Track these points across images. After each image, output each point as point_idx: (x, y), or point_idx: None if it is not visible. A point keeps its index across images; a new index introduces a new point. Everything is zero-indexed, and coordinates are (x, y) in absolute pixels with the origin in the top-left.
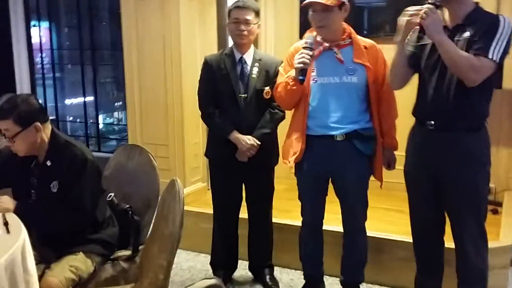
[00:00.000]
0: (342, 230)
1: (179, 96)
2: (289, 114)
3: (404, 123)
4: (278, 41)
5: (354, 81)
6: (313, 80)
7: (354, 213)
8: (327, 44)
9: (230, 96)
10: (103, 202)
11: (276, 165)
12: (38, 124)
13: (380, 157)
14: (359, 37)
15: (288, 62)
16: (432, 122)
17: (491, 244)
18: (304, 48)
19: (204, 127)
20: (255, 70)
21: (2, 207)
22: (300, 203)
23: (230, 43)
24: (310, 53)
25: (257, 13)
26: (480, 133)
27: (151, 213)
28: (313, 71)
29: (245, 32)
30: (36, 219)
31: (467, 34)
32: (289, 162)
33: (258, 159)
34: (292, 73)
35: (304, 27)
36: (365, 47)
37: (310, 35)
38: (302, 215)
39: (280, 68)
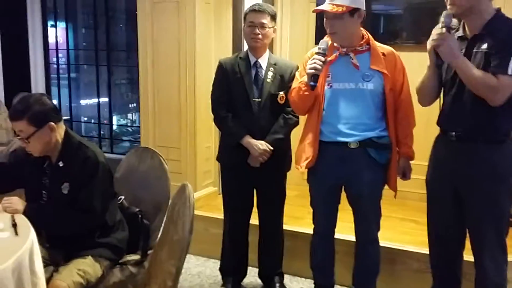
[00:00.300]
0: (354, 239)
1: (192, 99)
2: (302, 119)
3: (420, 133)
4: (293, 45)
5: (370, 88)
6: (328, 85)
7: (367, 223)
8: (343, 49)
9: (244, 100)
10: (114, 205)
11: (289, 171)
12: (53, 124)
13: (394, 167)
14: (378, 44)
15: (304, 67)
16: (454, 133)
17: (509, 257)
18: (317, 53)
19: (216, 131)
20: (270, 74)
21: (11, 208)
22: (312, 210)
23: (246, 46)
24: (323, 59)
25: (273, 17)
26: (503, 146)
27: (161, 217)
28: (328, 76)
29: (260, 36)
30: (45, 221)
31: (485, 45)
32: (301, 168)
33: (270, 165)
34: (305, 78)
35: (320, 31)
36: (384, 54)
37: (323, 41)
38: (313, 223)
39: (297, 73)
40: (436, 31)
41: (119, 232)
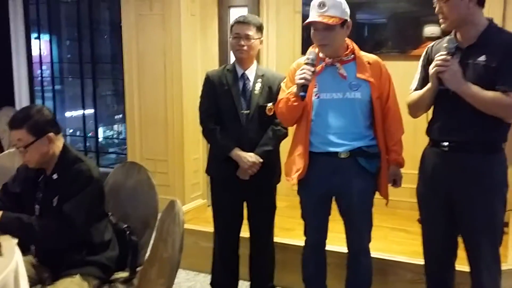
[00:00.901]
0: (345, 251)
1: (179, 111)
2: (291, 130)
3: (409, 141)
4: (280, 56)
5: (357, 97)
6: (315, 95)
7: (359, 233)
8: (329, 60)
9: (232, 112)
10: (103, 224)
11: (278, 183)
12: (51, 134)
13: (385, 174)
14: (363, 52)
15: (290, 78)
16: (446, 144)
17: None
18: (306, 64)
19: (204, 142)
20: (258, 86)
21: None
22: (303, 222)
23: (233, 58)
24: (312, 69)
25: (259, 29)
26: (496, 156)
27: (149, 233)
28: (315, 87)
29: (245, 47)
30: (20, 230)
31: (483, 57)
32: (292, 180)
33: (259, 177)
34: (294, 89)
35: (307, 42)
36: (369, 63)
37: (312, 51)
38: (305, 235)
39: (282, 84)
40: (439, 57)
41: (109, 251)
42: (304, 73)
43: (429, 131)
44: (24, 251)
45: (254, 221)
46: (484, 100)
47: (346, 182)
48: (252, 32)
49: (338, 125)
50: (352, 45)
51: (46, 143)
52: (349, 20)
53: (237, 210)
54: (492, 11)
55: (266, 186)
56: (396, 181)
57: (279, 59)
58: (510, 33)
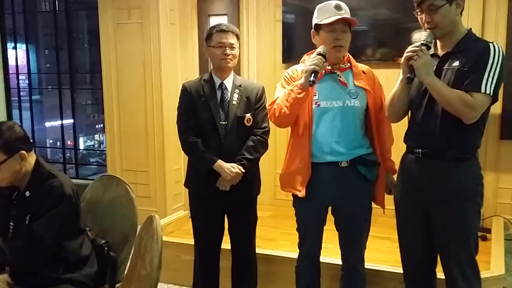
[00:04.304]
0: (337, 262)
1: (159, 121)
2: (281, 139)
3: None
4: (260, 65)
5: (357, 105)
6: (315, 104)
7: (357, 242)
8: (329, 67)
9: (211, 124)
10: (79, 241)
11: (259, 194)
12: (24, 152)
13: (382, 183)
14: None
15: (286, 81)
16: (420, 150)
17: (482, 274)
18: (317, 54)
19: None
20: (236, 96)
21: None
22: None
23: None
24: (324, 59)
25: (238, 37)
26: (468, 163)
27: (128, 248)
28: (315, 95)
29: (230, 56)
30: None
31: (456, 63)
32: (300, 191)
33: (240, 189)
34: (299, 82)
35: (287, 51)
36: (363, 72)
37: (322, 46)
38: (300, 247)
39: (278, 85)
40: (414, 45)
41: (86, 267)
42: (316, 59)
43: (405, 138)
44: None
45: (236, 233)
46: (449, 95)
47: (346, 191)
48: (234, 40)
49: (338, 134)
50: (347, 53)
51: (18, 161)
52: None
53: (218, 223)
54: (471, 20)
55: (247, 198)
56: (392, 189)
57: (260, 68)
58: (485, 41)
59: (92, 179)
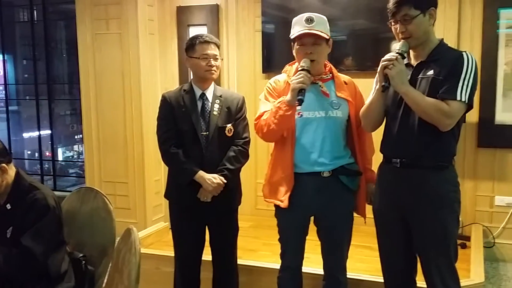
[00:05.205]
0: (319, 272)
1: (139, 131)
2: (262, 149)
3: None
4: (240, 75)
5: (339, 116)
6: (298, 114)
7: (340, 252)
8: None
9: (191, 134)
10: (61, 254)
11: (240, 204)
12: (4, 165)
13: (363, 192)
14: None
15: (270, 93)
16: (398, 160)
17: (462, 282)
18: (301, 70)
19: None
20: (216, 106)
21: None
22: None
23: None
24: (309, 75)
25: (219, 48)
26: (447, 171)
27: (106, 261)
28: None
29: (215, 68)
30: None
31: (431, 72)
32: (283, 202)
33: (221, 199)
34: (284, 98)
35: (267, 61)
36: (345, 82)
37: (305, 59)
38: (281, 258)
39: (262, 98)
40: (389, 54)
41: (63, 283)
42: (302, 77)
43: (381, 148)
44: None
45: (217, 245)
46: (424, 104)
47: (329, 201)
48: (217, 51)
49: (321, 144)
50: (329, 64)
51: None
52: (331, 38)
53: (199, 235)
54: (447, 30)
55: (228, 209)
56: (372, 199)
57: (240, 78)
58: (458, 50)
59: (70, 191)
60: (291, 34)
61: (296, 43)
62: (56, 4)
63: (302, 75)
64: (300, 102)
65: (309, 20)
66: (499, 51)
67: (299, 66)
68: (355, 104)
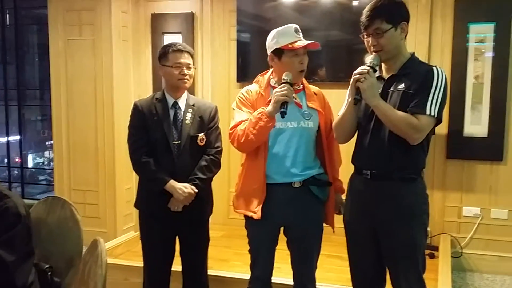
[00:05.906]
0: (289, 282)
1: (110, 139)
2: (234, 158)
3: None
4: (215, 84)
5: (310, 126)
6: None
7: (310, 263)
8: None
9: (163, 143)
10: (29, 265)
11: (211, 214)
12: None
13: (332, 203)
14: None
15: (242, 103)
16: (368, 172)
17: None
18: (284, 83)
19: None
20: (189, 116)
21: None
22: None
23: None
24: (291, 88)
25: (192, 57)
26: (416, 184)
27: (73, 272)
28: None
29: (187, 77)
30: None
31: (402, 85)
32: (256, 213)
33: (192, 209)
34: (264, 109)
35: (242, 70)
36: (315, 93)
37: (288, 73)
38: (251, 269)
39: (235, 108)
40: (361, 68)
41: None
42: (286, 89)
43: (353, 159)
44: None
45: (187, 255)
46: (395, 117)
47: (299, 211)
48: (190, 60)
49: (293, 155)
50: None
51: None
52: None
53: (169, 245)
54: (419, 43)
55: (199, 219)
56: (341, 209)
57: (214, 87)
58: (429, 65)
59: (39, 199)
60: (281, 45)
61: (286, 55)
62: (29, 8)
63: (286, 87)
64: (283, 114)
65: (298, 31)
66: (468, 64)
67: (282, 77)
68: (324, 114)
